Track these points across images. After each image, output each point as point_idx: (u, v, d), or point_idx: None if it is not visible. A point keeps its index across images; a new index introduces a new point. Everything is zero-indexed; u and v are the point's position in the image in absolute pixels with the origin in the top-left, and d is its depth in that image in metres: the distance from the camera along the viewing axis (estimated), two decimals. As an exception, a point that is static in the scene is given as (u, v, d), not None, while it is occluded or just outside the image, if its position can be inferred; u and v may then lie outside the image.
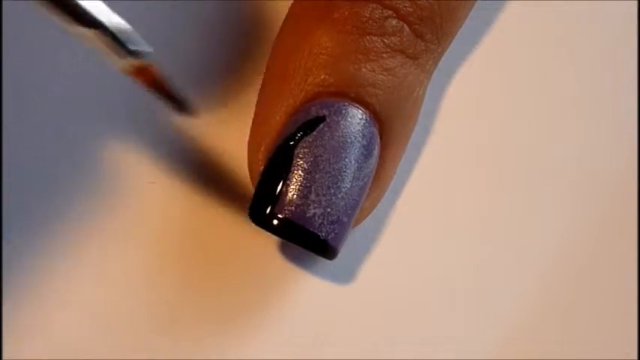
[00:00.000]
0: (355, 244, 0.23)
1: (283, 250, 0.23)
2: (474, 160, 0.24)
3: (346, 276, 0.23)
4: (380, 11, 0.21)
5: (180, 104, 0.20)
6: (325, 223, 0.21)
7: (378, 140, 0.22)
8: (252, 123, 0.22)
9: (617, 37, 0.25)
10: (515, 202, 0.24)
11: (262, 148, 0.22)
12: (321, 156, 0.21)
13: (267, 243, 0.23)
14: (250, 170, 0.22)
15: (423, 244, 0.23)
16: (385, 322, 0.23)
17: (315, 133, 0.21)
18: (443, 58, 0.24)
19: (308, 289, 0.23)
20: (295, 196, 0.21)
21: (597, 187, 0.24)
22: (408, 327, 0.23)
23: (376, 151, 0.22)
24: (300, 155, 0.21)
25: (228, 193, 0.23)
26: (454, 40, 0.24)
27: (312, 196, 0.21)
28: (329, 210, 0.21)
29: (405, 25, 0.22)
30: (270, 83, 0.22)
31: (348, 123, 0.21)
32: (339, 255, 0.23)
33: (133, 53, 0.18)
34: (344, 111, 0.21)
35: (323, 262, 0.22)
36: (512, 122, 0.25)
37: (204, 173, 0.23)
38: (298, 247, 0.21)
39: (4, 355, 0.21)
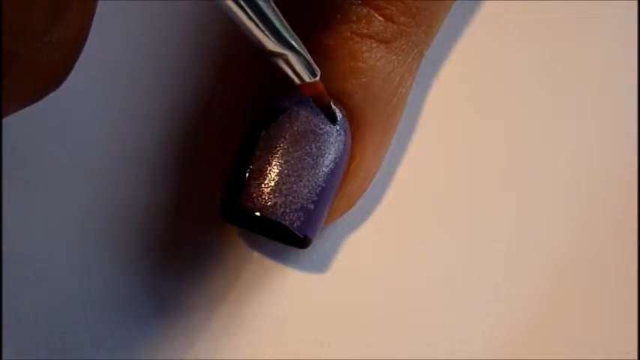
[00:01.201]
0: (351, 240, 0.23)
1: (277, 249, 0.23)
2: (471, 156, 0.24)
3: (346, 276, 0.23)
4: (342, 0, 0.22)
5: (331, 114, 0.21)
6: (288, 211, 0.21)
7: (346, 126, 0.22)
8: (226, 121, 0.23)
9: (617, 37, 0.25)
10: (512, 201, 0.24)
11: (232, 145, 0.22)
12: (279, 145, 0.21)
13: (265, 243, 0.23)
14: (225, 167, 0.22)
15: (423, 242, 0.23)
16: (385, 322, 0.23)
17: (274, 124, 0.21)
18: (441, 56, 0.24)
19: (307, 289, 0.23)
20: (256, 187, 0.21)
21: (597, 187, 0.24)
22: (407, 327, 0.23)
23: (343, 137, 0.22)
24: (261, 147, 0.21)
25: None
26: (452, 38, 0.24)
27: (273, 186, 0.21)
28: (290, 198, 0.21)
29: (371, 10, 0.22)
30: (240, 80, 0.23)
31: (307, 112, 0.21)
32: (338, 255, 0.23)
33: (316, 74, 0.20)
34: (303, 100, 0.21)
35: (322, 262, 0.23)
36: (511, 122, 0.25)
37: (191, 173, 0.24)
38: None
39: (4, 355, 0.21)
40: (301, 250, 0.22)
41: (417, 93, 0.24)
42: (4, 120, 0.23)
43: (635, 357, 0.23)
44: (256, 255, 0.23)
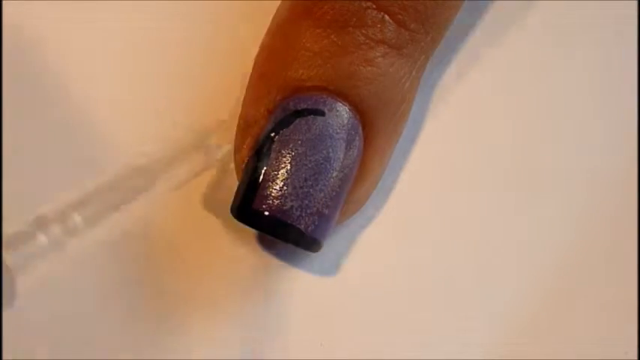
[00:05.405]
0: (355, 242, 0.23)
1: (283, 250, 0.23)
2: (471, 156, 0.24)
3: (346, 277, 0.23)
4: (358, 3, 0.22)
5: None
6: (304, 215, 0.21)
7: (360, 132, 0.22)
8: (238, 122, 0.23)
9: (617, 37, 0.25)
10: (513, 201, 0.24)
11: (245, 146, 0.22)
12: (297, 149, 0.21)
13: (267, 243, 0.23)
14: (236, 168, 0.22)
15: (423, 243, 0.24)
16: (385, 322, 0.23)
17: (291, 127, 0.21)
18: (444, 57, 0.24)
19: (307, 289, 0.23)
20: (272, 189, 0.21)
21: (597, 187, 0.24)
22: (407, 327, 0.23)
23: (357, 143, 0.22)
24: (277, 150, 0.21)
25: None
26: (454, 40, 0.24)
27: (290, 189, 0.21)
28: (307, 202, 0.21)
29: (385, 15, 0.22)
30: (253, 81, 0.23)
31: (325, 116, 0.21)
32: (339, 255, 0.23)
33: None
34: (321, 104, 0.21)
35: (322, 262, 0.23)
36: (511, 122, 0.25)
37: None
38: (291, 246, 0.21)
39: (4, 355, 0.22)
40: (303, 250, 0.22)
41: (418, 97, 0.24)
42: (4, 121, 0.23)
43: (635, 357, 0.23)
44: (257, 255, 0.23)
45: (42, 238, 0.16)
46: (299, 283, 0.23)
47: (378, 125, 0.22)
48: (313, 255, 0.23)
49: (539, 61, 0.25)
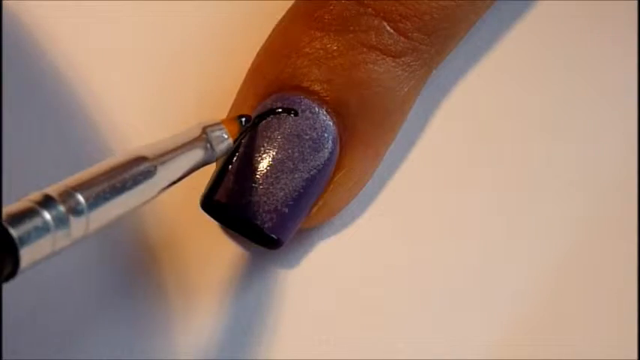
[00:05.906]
0: (355, 242, 0.23)
1: (283, 250, 0.23)
2: (470, 155, 0.24)
3: (346, 277, 0.23)
4: (356, 8, 0.22)
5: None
6: (261, 211, 0.21)
7: (335, 134, 0.22)
8: (228, 115, 0.23)
9: (617, 37, 0.25)
10: (513, 201, 0.24)
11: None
12: (263, 146, 0.21)
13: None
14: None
15: (423, 242, 0.23)
16: (385, 322, 0.23)
17: (263, 123, 0.21)
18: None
19: (308, 289, 0.23)
20: (233, 183, 0.21)
21: (597, 188, 0.24)
22: (407, 327, 0.23)
23: (329, 146, 0.22)
24: (246, 145, 0.21)
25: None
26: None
27: (249, 184, 0.21)
28: (265, 199, 0.21)
29: (383, 22, 0.22)
30: (254, 81, 0.23)
31: (297, 116, 0.21)
32: (339, 255, 0.23)
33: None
34: (296, 104, 0.21)
35: (322, 261, 0.23)
36: (511, 122, 0.25)
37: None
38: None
39: (4, 355, 0.22)
40: (302, 249, 0.23)
41: (418, 106, 0.24)
42: (4, 121, 0.23)
43: (635, 357, 0.23)
44: (257, 255, 0.23)
45: (45, 215, 0.16)
46: (298, 283, 0.23)
47: (361, 132, 0.22)
48: (313, 255, 0.23)
49: (539, 61, 0.25)
